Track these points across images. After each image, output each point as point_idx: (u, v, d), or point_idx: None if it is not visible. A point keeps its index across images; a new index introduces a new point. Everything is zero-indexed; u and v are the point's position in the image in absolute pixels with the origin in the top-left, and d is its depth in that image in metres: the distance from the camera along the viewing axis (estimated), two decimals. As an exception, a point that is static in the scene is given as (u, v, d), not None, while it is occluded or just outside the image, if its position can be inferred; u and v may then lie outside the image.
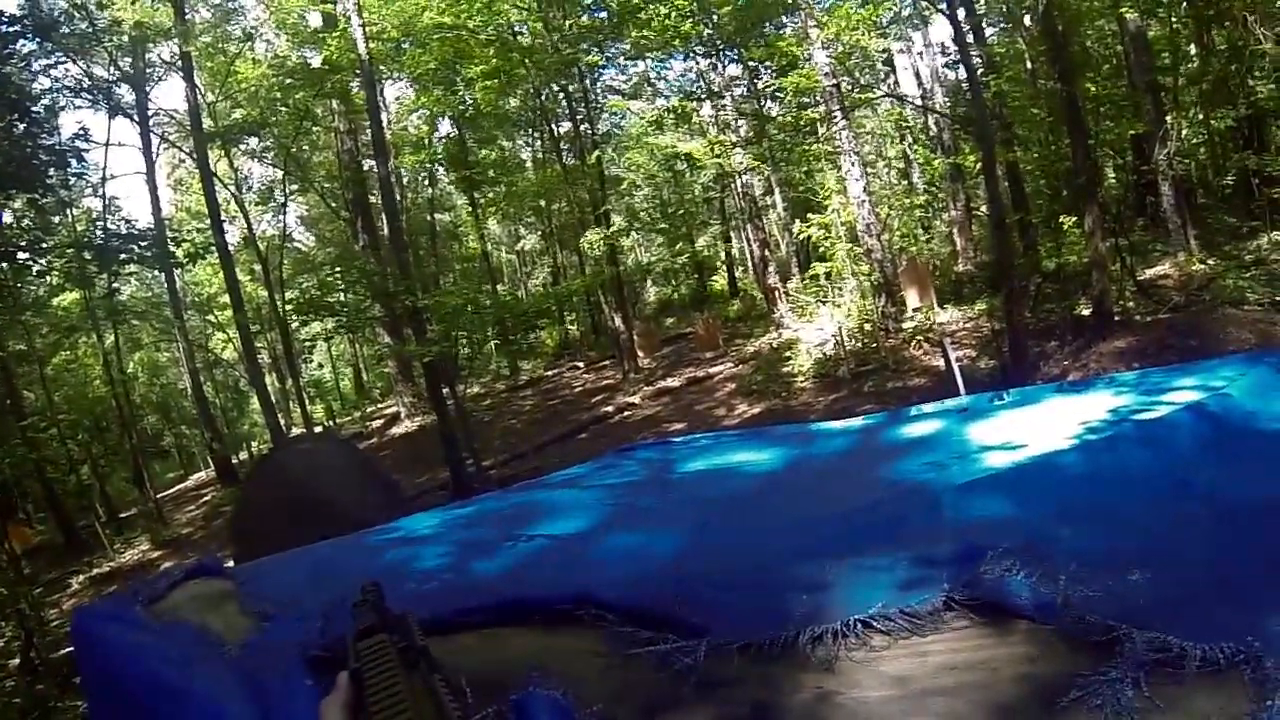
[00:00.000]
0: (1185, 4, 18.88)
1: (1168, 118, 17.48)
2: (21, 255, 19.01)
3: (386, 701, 1.03)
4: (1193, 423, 4.42)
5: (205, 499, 25.10)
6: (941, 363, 15.83)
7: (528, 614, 3.38)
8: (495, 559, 4.38)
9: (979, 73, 16.35)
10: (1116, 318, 15.12)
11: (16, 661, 11.37)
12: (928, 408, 6.92)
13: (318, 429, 29.60)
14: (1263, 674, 2.22)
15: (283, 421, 26.91)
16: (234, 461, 28.14)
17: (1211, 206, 19.86)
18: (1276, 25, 16.28)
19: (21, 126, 17.26)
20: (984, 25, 20.74)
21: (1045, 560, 2.94)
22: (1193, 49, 20.34)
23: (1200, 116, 19.54)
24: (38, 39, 19.73)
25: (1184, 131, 18.62)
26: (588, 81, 25.72)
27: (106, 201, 25.10)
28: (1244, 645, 2.32)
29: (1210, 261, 16.20)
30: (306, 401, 30.16)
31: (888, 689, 2.55)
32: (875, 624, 2.81)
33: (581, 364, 27.41)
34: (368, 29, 17.75)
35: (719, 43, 22.54)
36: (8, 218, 20.60)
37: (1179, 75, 19.20)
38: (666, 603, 3.21)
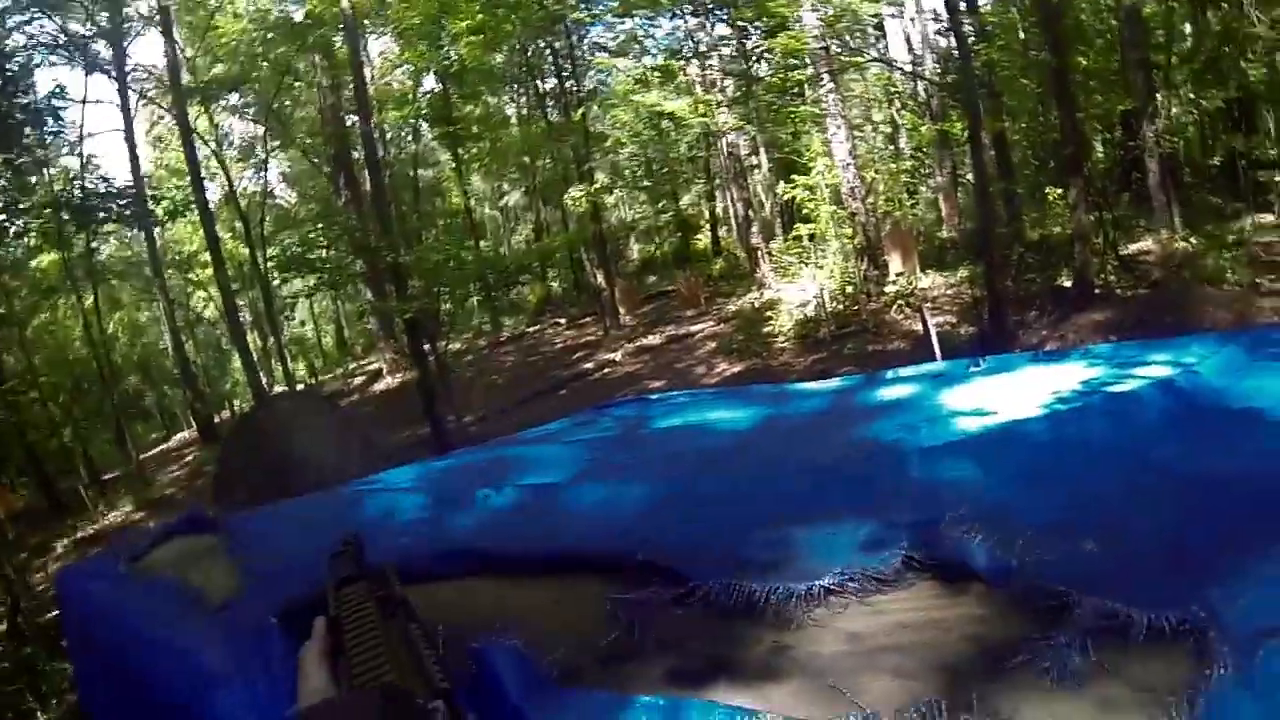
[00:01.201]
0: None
1: (1158, 95, 17.47)
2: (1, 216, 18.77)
3: (364, 650, 1.03)
4: (1159, 397, 4.49)
5: (188, 459, 24.96)
6: (921, 328, 15.95)
7: (497, 566, 3.43)
8: (469, 512, 4.44)
9: (970, 41, 16.30)
10: (1097, 291, 15.18)
11: (3, 627, 11.33)
12: (904, 372, 7.01)
13: (300, 387, 29.54)
14: (1205, 644, 2.27)
15: (265, 380, 26.84)
16: (216, 420, 28.01)
17: (1197, 185, 19.88)
18: (1272, 9, 16.25)
19: (-2, 84, 16.98)
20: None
21: (1002, 525, 3.00)
22: (1187, 28, 20.32)
23: (1191, 96, 19.55)
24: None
25: (1174, 110, 18.60)
26: (574, 38, 25.50)
27: (84, 160, 24.53)
28: (1189, 615, 2.37)
29: (1193, 240, 16.24)
30: (288, 359, 30.10)
31: (841, 645, 2.62)
32: (839, 587, 2.88)
33: (563, 320, 27.37)
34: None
35: (708, 2, 22.36)
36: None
37: (1172, 53, 19.19)
38: (632, 554, 3.27)
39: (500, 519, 4.34)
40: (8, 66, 17.96)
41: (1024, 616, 2.60)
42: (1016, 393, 5.22)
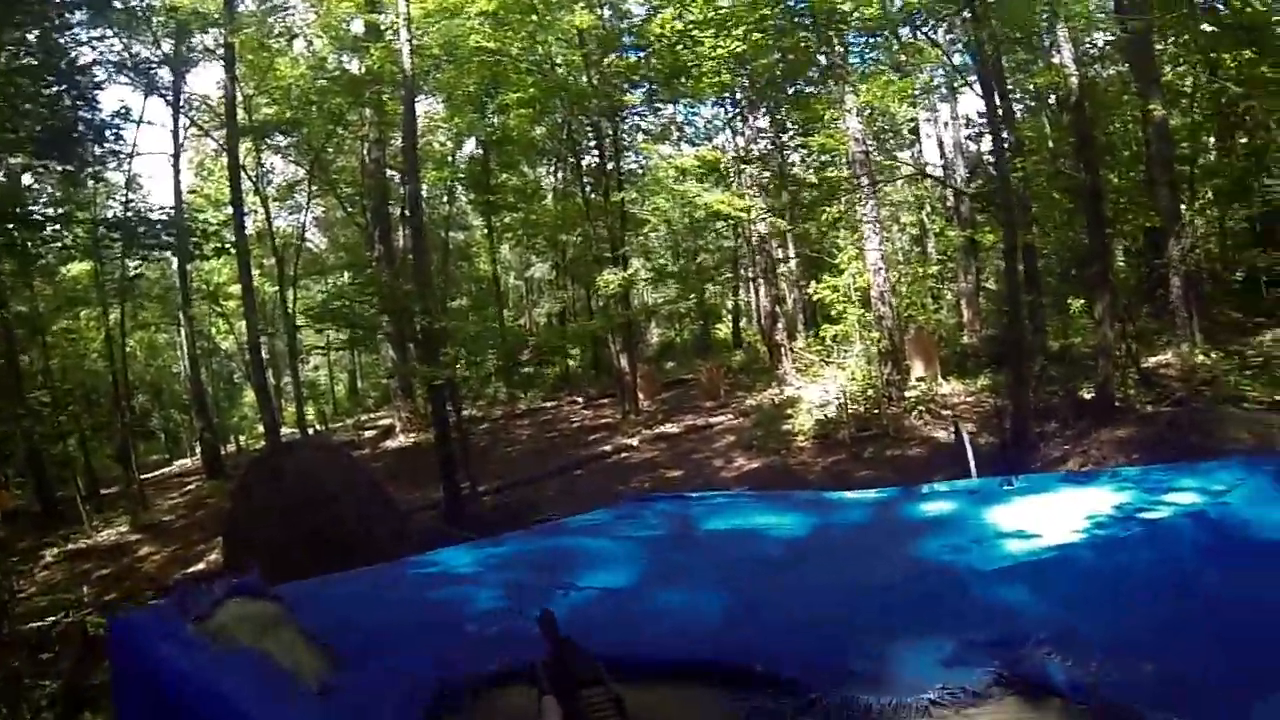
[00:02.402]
0: (1210, 99, 19.31)
1: (1184, 212, 17.79)
2: (50, 226, 19.00)
3: None
4: (1194, 528, 4.78)
5: (189, 487, 24.78)
6: (941, 434, 16.06)
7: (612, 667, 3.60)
8: (552, 605, 4.36)
9: (1006, 153, 16.71)
10: (1118, 405, 15.33)
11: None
12: (940, 487, 7.23)
13: (310, 432, 29.55)
14: None
15: (274, 419, 26.88)
16: (222, 453, 27.99)
17: (1219, 300, 20.09)
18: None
19: (68, 99, 17.31)
20: (1013, 105, 21.15)
21: (1073, 648, 3.28)
22: (1212, 142, 20.75)
23: (1214, 212, 19.91)
24: (89, 9, 19.69)
25: (1198, 225, 18.97)
26: (618, 119, 26.00)
27: (130, 178, 24.99)
28: None
29: (1214, 354, 16.46)
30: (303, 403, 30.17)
31: None
32: (941, 700, 3.15)
33: (581, 399, 27.34)
34: (413, 43, 17.96)
35: (752, 97, 22.93)
36: (28, 180, 20.53)
37: (1196, 168, 19.57)
38: (751, 665, 3.50)
39: (582, 617, 4.44)
40: (79, 79, 18.22)
41: None
42: (1053, 514, 5.46)
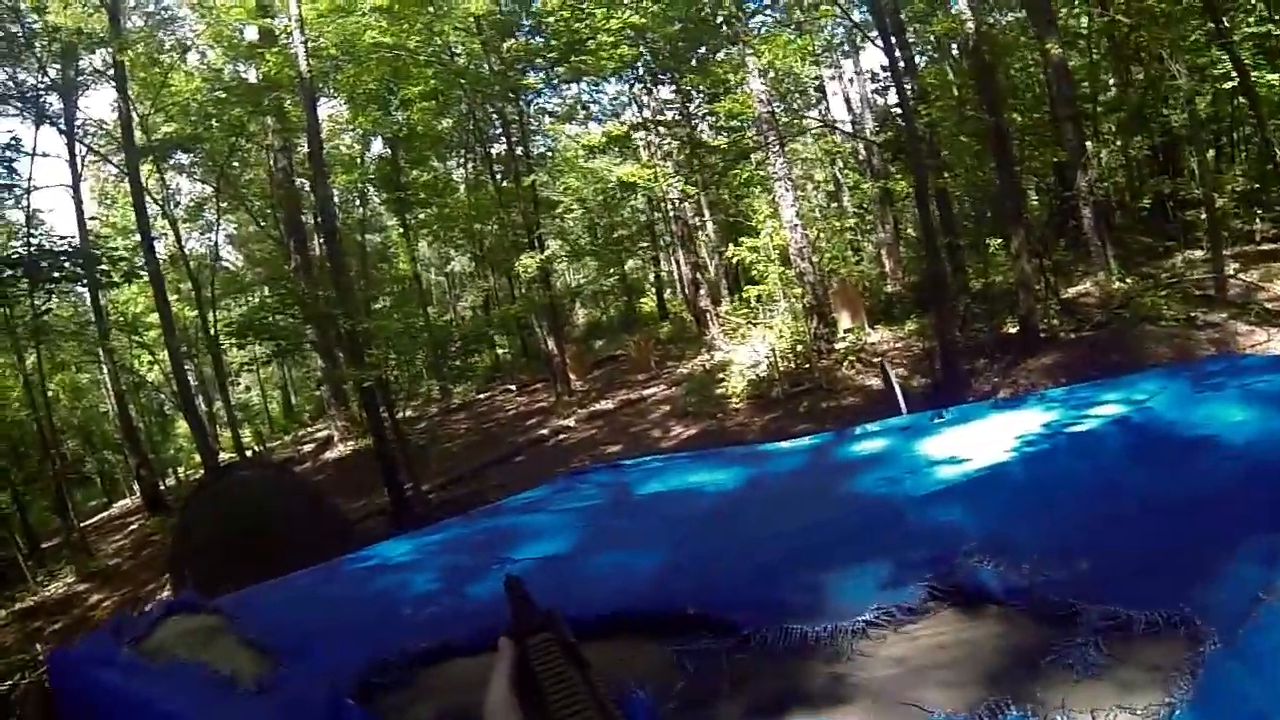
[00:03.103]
0: (1106, 39, 19.84)
1: (1088, 145, 18.28)
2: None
3: (566, 699, 1.11)
4: (1120, 434, 4.88)
5: (132, 527, 24.28)
6: (874, 382, 16.31)
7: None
8: (488, 582, 4.45)
9: (910, 102, 16.96)
10: (1042, 335, 15.81)
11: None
12: (872, 427, 7.27)
13: (248, 454, 29.08)
14: (1195, 630, 2.72)
15: (210, 445, 26.37)
16: (161, 488, 27.42)
17: (1129, 228, 20.78)
18: (1188, 58, 17.17)
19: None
20: (915, 56, 21.50)
21: (1006, 555, 3.35)
22: (1111, 80, 21.35)
23: (1118, 143, 20.47)
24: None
25: (1103, 158, 19.53)
26: (522, 103, 25.91)
27: (29, 214, 24.28)
28: (1177, 610, 2.82)
29: (1129, 280, 16.99)
30: (237, 425, 29.63)
31: (890, 669, 2.95)
32: (878, 620, 3.19)
33: (514, 387, 27.36)
34: (308, 45, 17.67)
35: (655, 68, 22.94)
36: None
37: (1098, 104, 20.11)
38: (683, 609, 3.50)
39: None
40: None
41: (1040, 628, 2.99)
42: (984, 439, 5.51)
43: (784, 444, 7.58)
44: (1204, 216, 17.96)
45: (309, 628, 4.35)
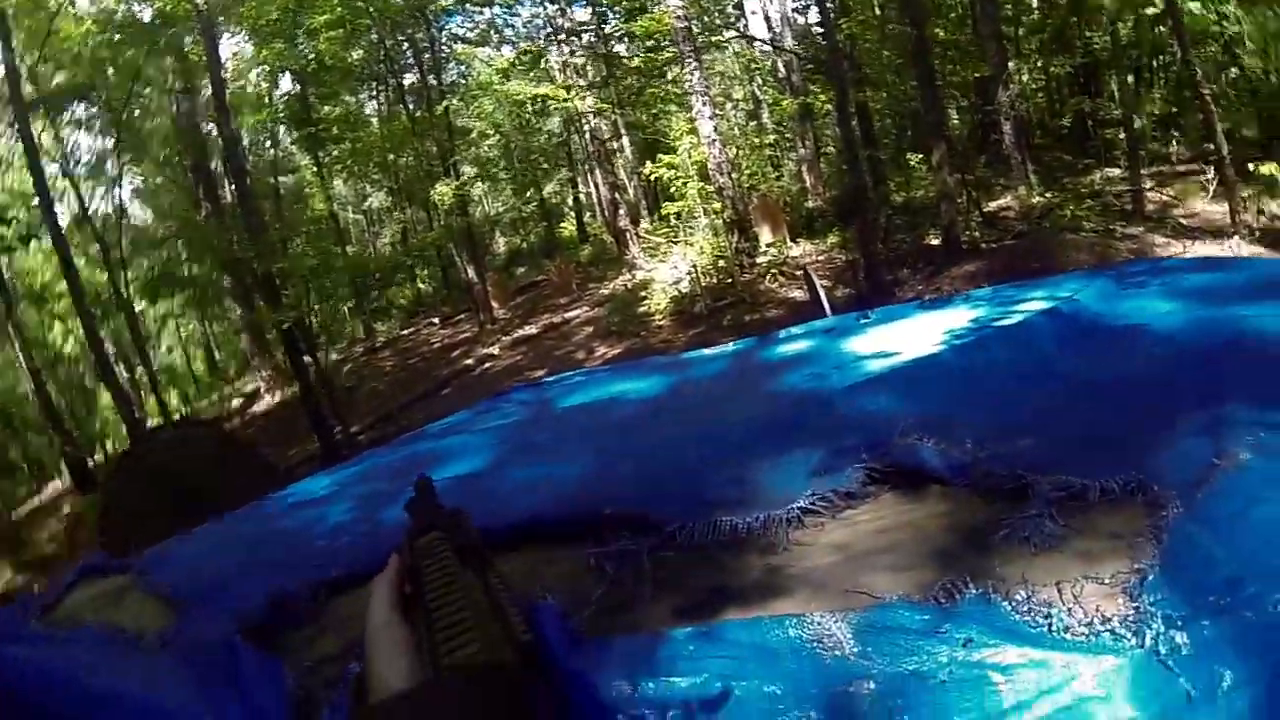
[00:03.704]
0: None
1: (1010, 63, 18.37)
2: None
3: (444, 595, 0.99)
4: (1049, 322, 4.84)
5: (65, 510, 23.62)
6: (798, 294, 16.34)
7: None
8: (401, 505, 4.26)
9: (831, 16, 16.79)
10: (964, 246, 15.98)
11: None
12: (796, 330, 7.20)
13: (175, 418, 28.31)
14: (1153, 495, 2.58)
15: (136, 414, 25.54)
16: (90, 464, 26.48)
17: (1050, 145, 21.04)
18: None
19: None
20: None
21: (944, 435, 3.21)
22: (1035, 2, 21.44)
23: (1040, 63, 20.64)
24: None
25: (1025, 76, 19.66)
26: (434, 30, 25.16)
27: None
28: (1131, 477, 2.68)
29: (1049, 194, 17.14)
30: (160, 390, 28.72)
31: (831, 557, 2.75)
32: (813, 507, 3.01)
33: (437, 320, 27.07)
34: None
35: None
36: None
37: (1021, 25, 20.22)
38: (599, 511, 3.32)
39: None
40: None
41: (988, 503, 2.84)
42: (912, 335, 5.46)
43: (706, 350, 7.50)
44: (1123, 136, 18.24)
45: (217, 572, 4.16)
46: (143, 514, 11.73)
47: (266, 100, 26.00)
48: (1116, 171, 18.15)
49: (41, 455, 33.14)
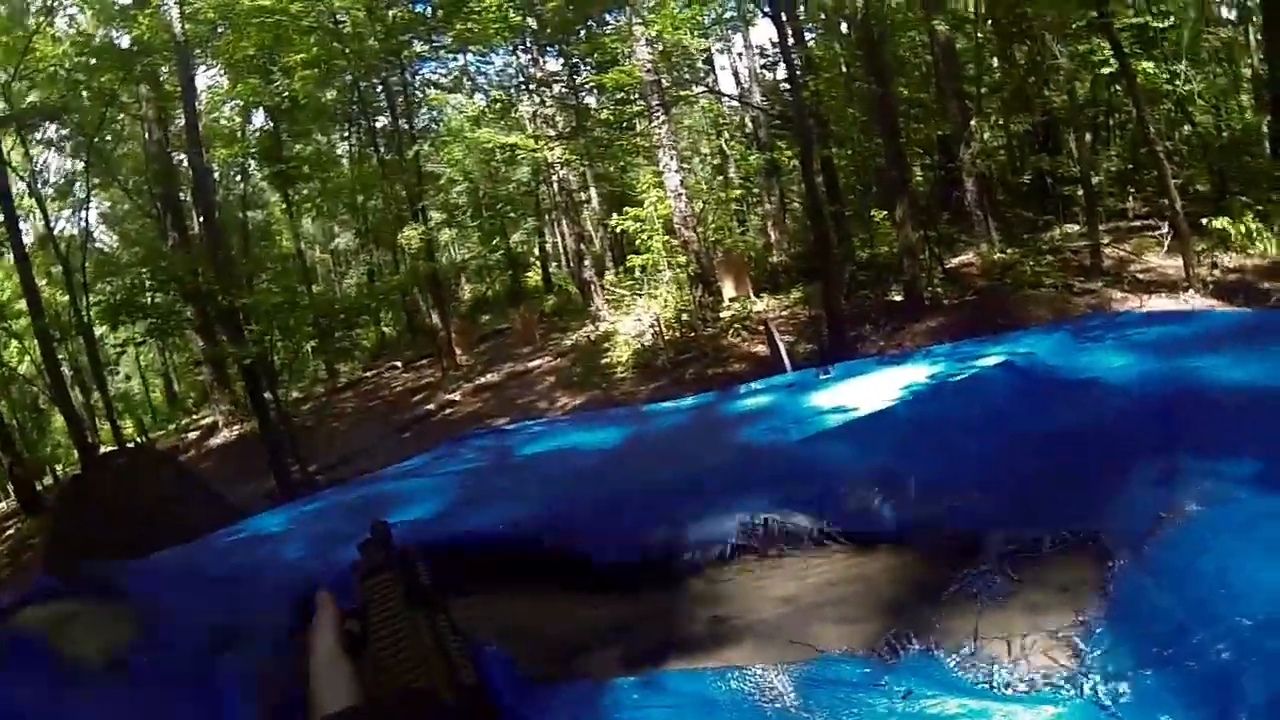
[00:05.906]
0: (990, 21, 20.33)
1: (972, 121, 18.72)
2: None
3: (390, 636, 1.01)
4: (1004, 376, 4.93)
5: (9, 532, 23.05)
6: (760, 349, 16.39)
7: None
8: (350, 550, 4.21)
9: (799, 73, 17.04)
10: (927, 301, 16.17)
11: None
12: (756, 385, 7.26)
13: (128, 446, 27.80)
14: (1102, 546, 2.65)
15: (90, 439, 25.06)
16: (39, 488, 25.91)
17: (1010, 202, 21.38)
18: (1070, 43, 17.72)
19: None
20: (804, 29, 21.67)
21: (895, 488, 3.24)
22: (995, 61, 21.93)
23: (1001, 121, 21.04)
24: None
25: (986, 134, 20.05)
26: (408, 74, 25.26)
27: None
28: (1081, 529, 2.75)
29: (1010, 250, 17.42)
30: (116, 416, 28.24)
31: (778, 609, 2.77)
32: (750, 546, 3.03)
33: (399, 364, 26.85)
34: (183, 8, 16.62)
35: (541, 38, 22.60)
36: None
37: (982, 84, 20.67)
38: (538, 541, 3.32)
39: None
40: None
41: (936, 560, 2.85)
42: (870, 391, 5.52)
43: (667, 404, 7.53)
44: (1081, 193, 18.53)
45: (166, 602, 4.10)
46: (91, 541, 11.49)
47: (239, 135, 25.92)
48: (1075, 227, 18.50)
49: (-11, 476, 32.43)
